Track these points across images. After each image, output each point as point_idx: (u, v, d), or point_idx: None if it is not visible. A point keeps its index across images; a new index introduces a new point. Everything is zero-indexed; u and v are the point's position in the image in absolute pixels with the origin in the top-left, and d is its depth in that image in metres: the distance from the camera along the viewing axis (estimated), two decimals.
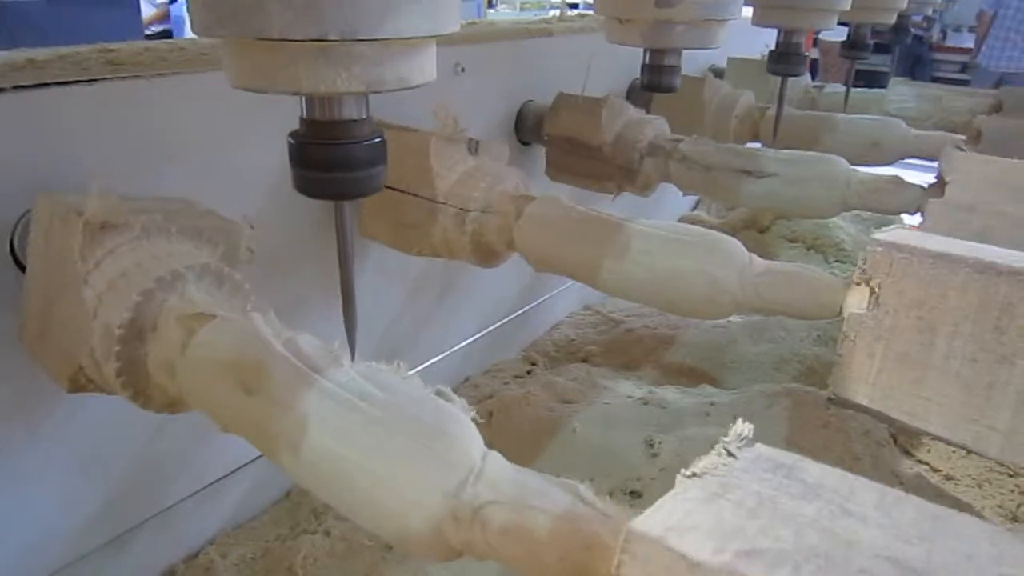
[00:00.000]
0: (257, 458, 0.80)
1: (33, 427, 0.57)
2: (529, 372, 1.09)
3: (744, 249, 0.54)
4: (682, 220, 1.55)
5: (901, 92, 1.24)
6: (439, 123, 0.58)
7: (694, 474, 0.28)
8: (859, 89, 1.21)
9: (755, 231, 1.47)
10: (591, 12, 1.10)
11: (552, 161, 0.90)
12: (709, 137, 1.03)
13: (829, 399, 0.50)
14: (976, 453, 0.41)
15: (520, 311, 1.15)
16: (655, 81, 0.58)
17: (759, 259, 0.53)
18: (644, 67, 0.59)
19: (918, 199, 0.71)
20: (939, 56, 5.65)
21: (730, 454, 0.31)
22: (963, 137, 0.96)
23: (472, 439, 0.30)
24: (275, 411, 0.33)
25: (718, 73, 1.37)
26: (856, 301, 0.46)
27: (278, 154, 0.58)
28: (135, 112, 0.57)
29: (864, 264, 0.46)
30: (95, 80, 0.56)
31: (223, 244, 0.47)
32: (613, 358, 1.11)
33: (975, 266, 0.42)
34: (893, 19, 1.03)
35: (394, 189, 0.60)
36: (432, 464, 0.28)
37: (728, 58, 1.32)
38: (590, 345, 1.16)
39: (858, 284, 0.46)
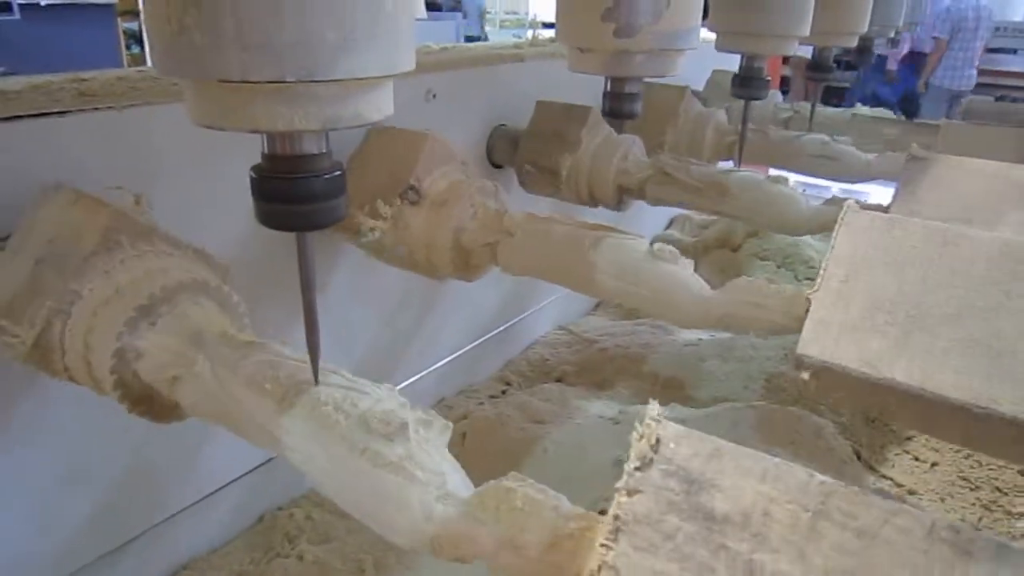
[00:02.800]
0: (230, 482, 0.80)
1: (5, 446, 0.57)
2: (504, 392, 1.10)
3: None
4: (655, 239, 1.58)
5: (862, 115, 1.27)
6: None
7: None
8: (825, 109, 1.24)
9: (728, 250, 1.49)
10: None
11: (526, 182, 0.91)
12: (683, 153, 1.06)
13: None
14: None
15: (495, 331, 1.16)
16: (616, 108, 0.60)
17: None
18: (605, 94, 0.61)
19: None
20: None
21: (635, 490, 0.32)
22: (922, 153, 0.98)
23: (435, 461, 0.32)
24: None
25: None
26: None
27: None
28: (107, 142, 0.57)
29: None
30: (67, 112, 0.57)
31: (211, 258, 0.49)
32: (586, 377, 1.12)
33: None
34: (855, 42, 1.05)
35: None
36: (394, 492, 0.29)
37: (713, 70, 1.34)
38: (564, 364, 1.17)
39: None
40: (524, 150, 0.83)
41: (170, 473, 0.72)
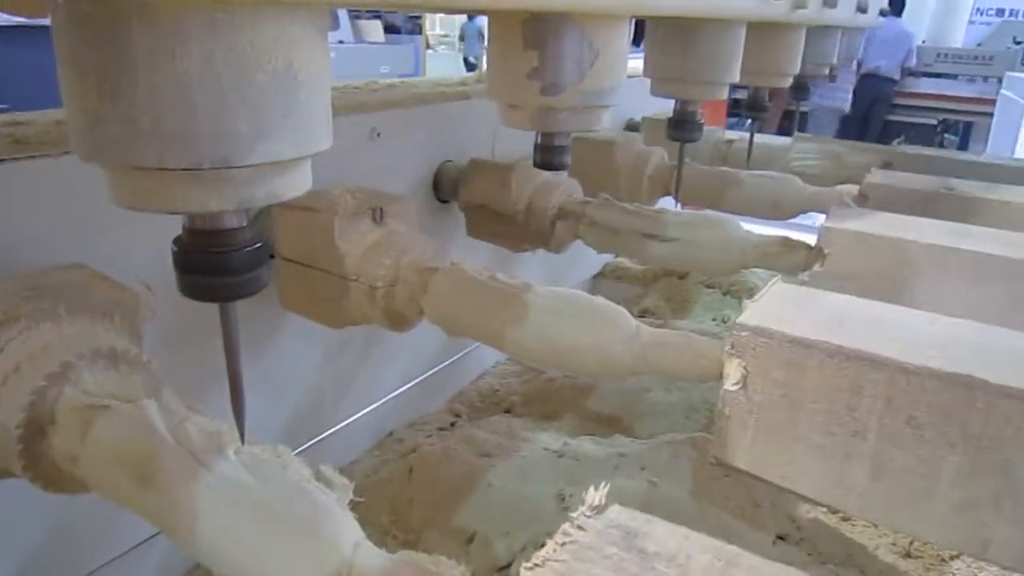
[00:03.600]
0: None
1: None
2: (453, 424, 1.11)
3: (632, 319, 0.57)
4: (606, 267, 1.60)
5: (803, 148, 1.31)
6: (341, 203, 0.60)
7: (536, 565, 0.30)
8: (763, 143, 1.28)
9: (675, 277, 1.52)
10: None
11: (471, 223, 0.93)
12: (624, 193, 1.09)
13: (712, 461, 0.53)
14: (840, 511, 0.44)
15: (445, 362, 1.17)
16: (547, 160, 0.62)
17: (646, 328, 0.57)
18: (536, 147, 0.63)
19: (803, 260, 0.76)
20: None
21: (580, 528, 0.33)
22: (854, 192, 1.02)
23: (343, 532, 0.32)
24: (167, 504, 0.35)
25: (635, 127, 1.43)
26: (731, 376, 0.50)
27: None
28: (41, 190, 0.58)
29: (731, 347, 0.49)
30: (2, 160, 0.57)
31: (119, 313, 0.48)
32: (534, 408, 1.14)
33: (826, 351, 0.46)
34: (788, 82, 1.09)
35: (306, 266, 0.62)
36: (305, 564, 0.30)
37: (643, 118, 1.38)
38: (513, 395, 1.18)
39: (730, 358, 0.50)
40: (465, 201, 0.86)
41: (107, 520, 0.71)
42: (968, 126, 6.46)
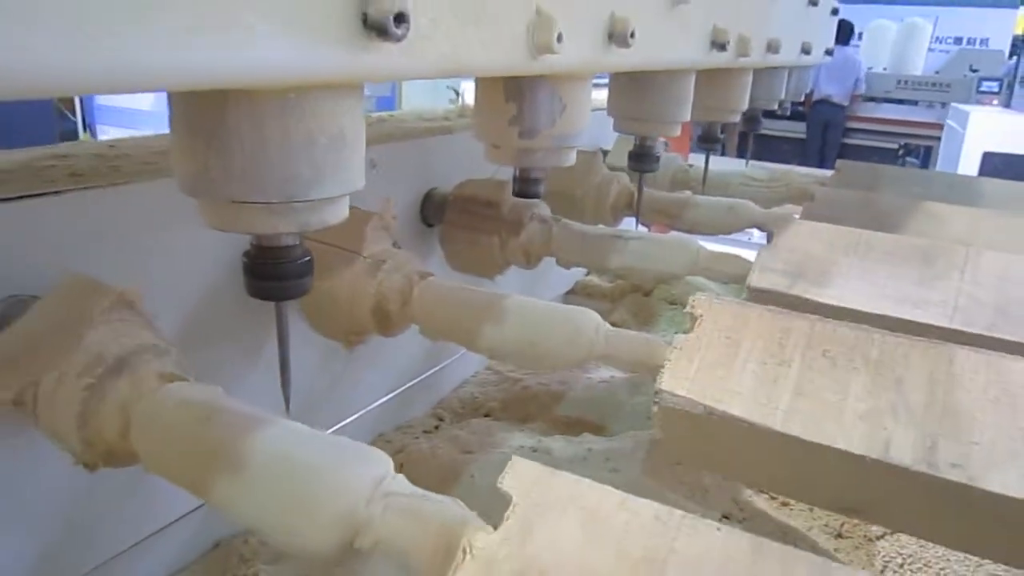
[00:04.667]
0: (187, 513, 0.89)
1: None
2: (437, 427, 1.22)
3: (596, 315, 0.69)
4: (577, 284, 1.73)
5: (756, 171, 1.45)
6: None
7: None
8: (718, 169, 1.41)
9: (640, 294, 1.64)
10: None
11: (448, 237, 1.04)
12: (589, 216, 1.21)
13: (656, 392, 0.63)
14: (761, 426, 0.55)
15: (429, 372, 1.27)
16: (524, 190, 0.74)
17: (607, 325, 0.69)
18: (515, 179, 0.75)
19: (742, 271, 0.89)
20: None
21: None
22: (797, 213, 1.15)
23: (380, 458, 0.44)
24: (227, 436, 0.45)
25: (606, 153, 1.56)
26: (688, 325, 0.62)
27: (213, 249, 0.71)
28: (97, 218, 0.68)
29: (692, 306, 0.62)
30: (62, 191, 0.67)
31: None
32: (511, 413, 1.25)
33: (765, 307, 0.58)
34: (737, 117, 1.23)
35: (328, 244, 0.73)
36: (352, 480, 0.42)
37: (618, 137, 1.51)
38: (491, 401, 1.30)
39: (689, 313, 0.62)
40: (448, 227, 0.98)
41: (123, 508, 0.79)
42: (928, 150, 6.73)
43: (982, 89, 6.39)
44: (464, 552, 0.38)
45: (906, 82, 6.71)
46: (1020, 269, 0.75)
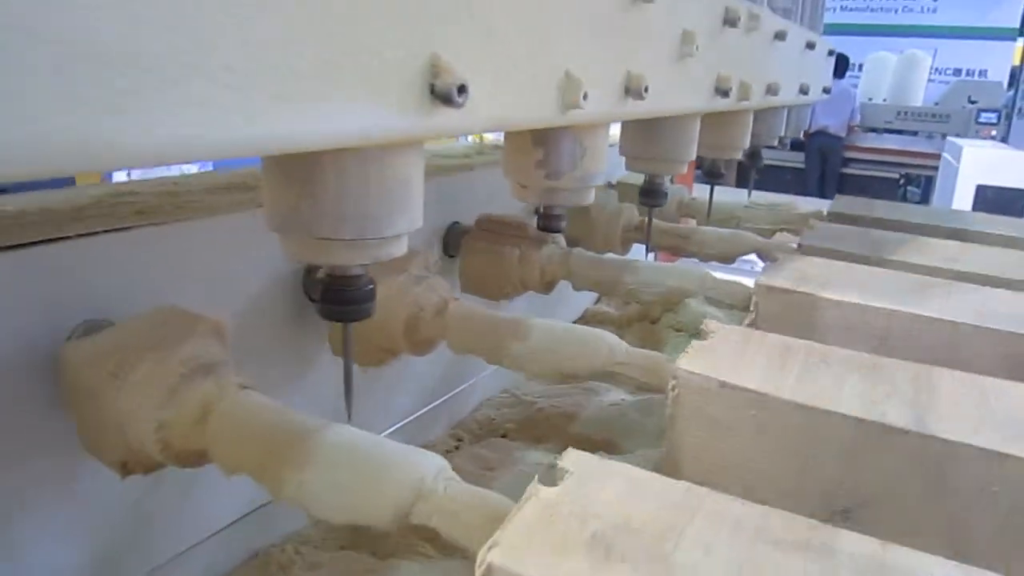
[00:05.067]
0: (229, 525, 0.96)
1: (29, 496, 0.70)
2: (456, 447, 1.29)
3: (614, 335, 0.77)
4: (587, 312, 1.81)
5: (757, 203, 1.54)
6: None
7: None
8: (721, 200, 1.50)
9: (647, 322, 1.72)
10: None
11: (468, 249, 1.12)
12: (600, 244, 1.30)
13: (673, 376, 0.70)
14: (771, 395, 0.63)
15: (446, 396, 1.35)
16: (548, 224, 0.82)
17: (624, 343, 0.77)
18: (539, 215, 0.83)
19: (749, 295, 0.97)
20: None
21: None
22: (794, 244, 1.23)
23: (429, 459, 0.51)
24: (301, 431, 0.53)
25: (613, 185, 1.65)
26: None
27: (266, 278, 0.79)
28: (162, 251, 0.76)
29: (705, 326, 0.70)
30: (131, 228, 0.75)
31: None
32: (526, 433, 1.32)
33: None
34: (740, 154, 1.31)
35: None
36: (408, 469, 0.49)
37: (617, 181, 1.60)
38: (508, 423, 1.37)
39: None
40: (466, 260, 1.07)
41: (169, 519, 0.85)
42: (929, 180, 6.84)
43: (981, 120, 6.52)
44: (528, 497, 0.45)
45: (905, 113, 6.84)
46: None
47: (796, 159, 6.62)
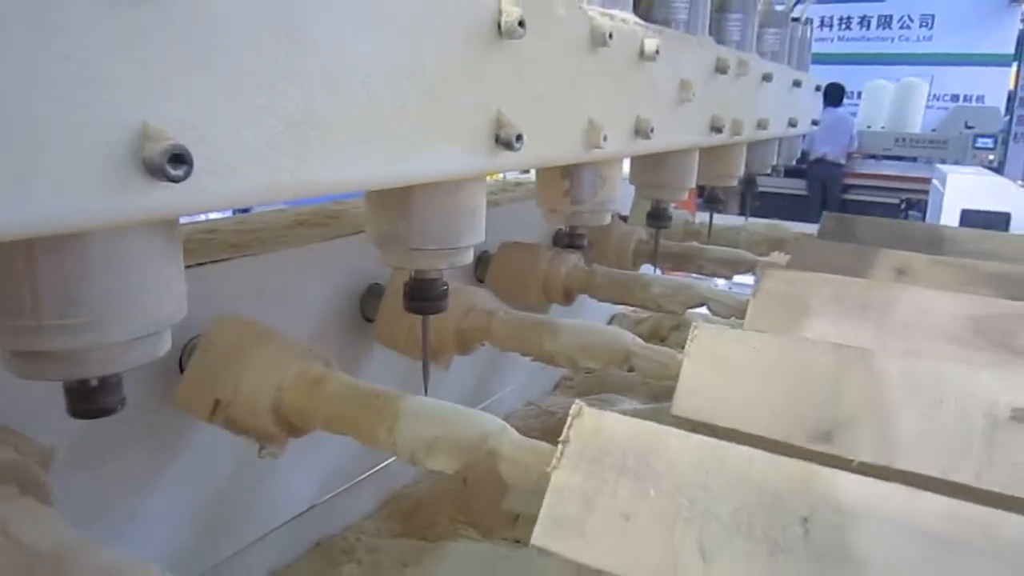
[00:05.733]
0: (291, 519, 1.11)
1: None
2: None
3: (628, 333, 0.94)
4: None
5: (755, 225, 1.71)
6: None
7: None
8: (720, 223, 1.68)
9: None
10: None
11: (499, 261, 1.28)
12: (613, 262, 1.47)
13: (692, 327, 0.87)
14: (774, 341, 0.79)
15: (475, 408, 1.51)
16: (571, 243, 1.00)
17: (638, 338, 0.94)
18: (564, 234, 1.01)
19: (740, 306, 1.13)
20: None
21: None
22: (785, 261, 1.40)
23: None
24: (392, 395, 0.70)
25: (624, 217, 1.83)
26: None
27: (331, 299, 0.96)
28: (252, 278, 0.92)
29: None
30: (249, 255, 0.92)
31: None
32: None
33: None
34: (735, 182, 1.49)
35: None
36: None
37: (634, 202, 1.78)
38: (533, 431, 1.52)
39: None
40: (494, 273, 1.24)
41: (245, 512, 1.00)
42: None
43: (978, 145, 6.71)
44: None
45: (903, 140, 7.05)
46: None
47: (798, 187, 6.82)
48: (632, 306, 1.21)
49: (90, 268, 0.40)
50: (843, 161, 6.65)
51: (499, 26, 0.59)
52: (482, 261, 1.35)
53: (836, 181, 6.70)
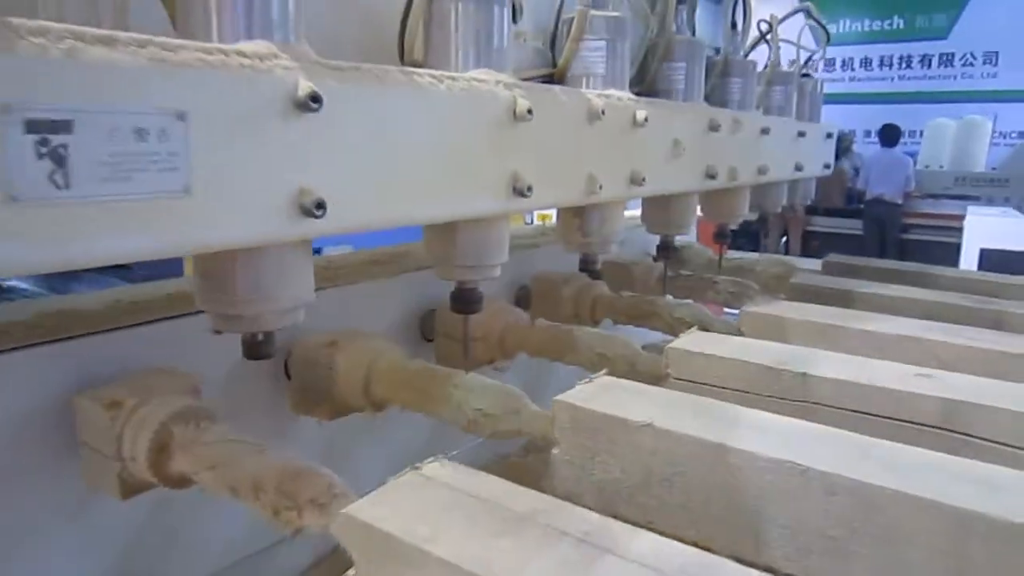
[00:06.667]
0: None
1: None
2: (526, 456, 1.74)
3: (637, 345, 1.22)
4: None
5: (769, 263, 1.97)
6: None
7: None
8: (734, 257, 1.95)
9: None
10: None
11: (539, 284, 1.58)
12: (639, 291, 1.75)
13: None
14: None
15: None
16: (586, 268, 1.29)
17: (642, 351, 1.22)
18: (582, 261, 1.30)
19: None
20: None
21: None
22: (782, 297, 1.66)
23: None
24: (447, 372, 0.99)
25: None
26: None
27: (396, 323, 1.27)
28: (328, 308, 1.24)
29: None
30: (337, 285, 1.24)
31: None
32: None
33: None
34: (739, 221, 1.77)
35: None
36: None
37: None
38: None
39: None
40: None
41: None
42: None
43: None
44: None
45: (963, 179, 7.15)
46: None
47: (854, 227, 6.98)
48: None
49: (266, 266, 0.72)
50: (900, 201, 6.79)
51: (514, 113, 0.89)
52: (522, 293, 1.65)
53: (894, 221, 6.84)
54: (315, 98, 0.65)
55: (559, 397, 0.86)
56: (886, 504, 0.66)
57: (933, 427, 0.92)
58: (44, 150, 0.51)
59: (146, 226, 0.58)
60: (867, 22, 9.85)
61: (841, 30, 9.95)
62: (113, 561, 0.96)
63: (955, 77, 9.42)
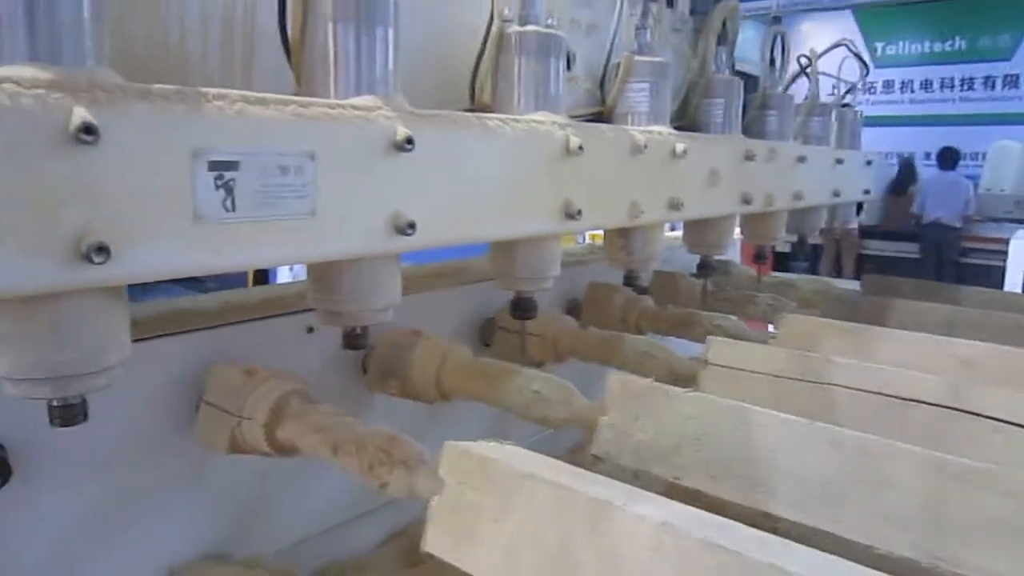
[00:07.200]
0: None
1: None
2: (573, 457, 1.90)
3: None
4: None
5: (807, 281, 2.11)
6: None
7: None
8: (776, 276, 2.09)
9: None
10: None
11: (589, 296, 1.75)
12: (683, 303, 1.91)
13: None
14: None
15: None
16: (632, 283, 1.46)
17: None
18: (626, 278, 1.47)
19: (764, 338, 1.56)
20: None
21: None
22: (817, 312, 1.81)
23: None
24: (502, 366, 1.17)
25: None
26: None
27: (459, 328, 1.46)
28: (403, 314, 1.43)
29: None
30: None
31: None
32: None
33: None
34: (776, 241, 1.91)
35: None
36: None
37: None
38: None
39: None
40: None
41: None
42: None
43: None
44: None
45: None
46: None
47: (911, 250, 6.99)
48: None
49: (363, 274, 0.91)
50: (958, 224, 6.79)
51: (567, 149, 1.07)
52: (573, 306, 1.82)
53: (952, 245, 6.84)
54: (410, 140, 0.84)
55: (614, 374, 1.04)
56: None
57: (941, 406, 1.06)
58: (220, 183, 0.70)
59: (286, 240, 0.77)
60: (927, 43, 9.83)
61: (901, 52, 9.95)
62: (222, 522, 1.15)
63: (1021, 99, 9.33)
